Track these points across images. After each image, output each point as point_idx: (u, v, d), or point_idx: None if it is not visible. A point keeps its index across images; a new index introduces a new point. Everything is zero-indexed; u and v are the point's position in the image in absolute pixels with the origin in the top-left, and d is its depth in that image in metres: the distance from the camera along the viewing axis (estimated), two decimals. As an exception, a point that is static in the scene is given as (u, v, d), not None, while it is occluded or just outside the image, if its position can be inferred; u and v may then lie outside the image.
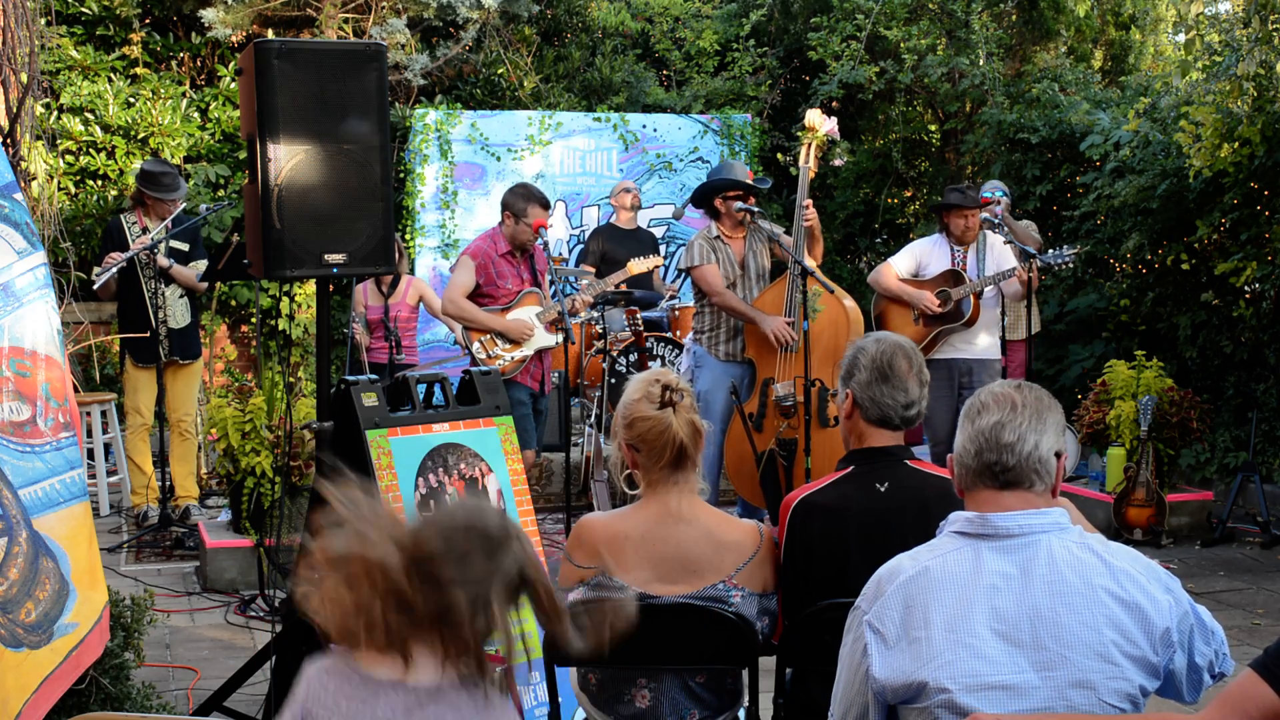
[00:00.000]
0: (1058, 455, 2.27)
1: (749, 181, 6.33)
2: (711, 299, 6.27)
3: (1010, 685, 2.10)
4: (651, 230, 9.38)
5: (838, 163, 6.42)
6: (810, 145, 6.28)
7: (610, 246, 8.62)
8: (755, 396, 6.13)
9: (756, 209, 6.28)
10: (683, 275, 10.31)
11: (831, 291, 5.95)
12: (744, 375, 6.27)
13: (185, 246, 7.10)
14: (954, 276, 6.75)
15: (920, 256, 6.86)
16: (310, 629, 2.08)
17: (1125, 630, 2.14)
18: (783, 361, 6.04)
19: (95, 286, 6.88)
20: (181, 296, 7.13)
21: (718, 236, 6.31)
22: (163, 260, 6.94)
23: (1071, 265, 6.75)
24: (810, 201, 6.18)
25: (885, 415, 3.02)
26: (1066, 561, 2.18)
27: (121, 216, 7.23)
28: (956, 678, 2.10)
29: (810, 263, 6.03)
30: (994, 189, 8.00)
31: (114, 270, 6.79)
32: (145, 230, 6.99)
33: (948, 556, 2.22)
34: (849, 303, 6.10)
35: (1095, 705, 2.10)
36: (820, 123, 6.30)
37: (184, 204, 7.13)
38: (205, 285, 7.32)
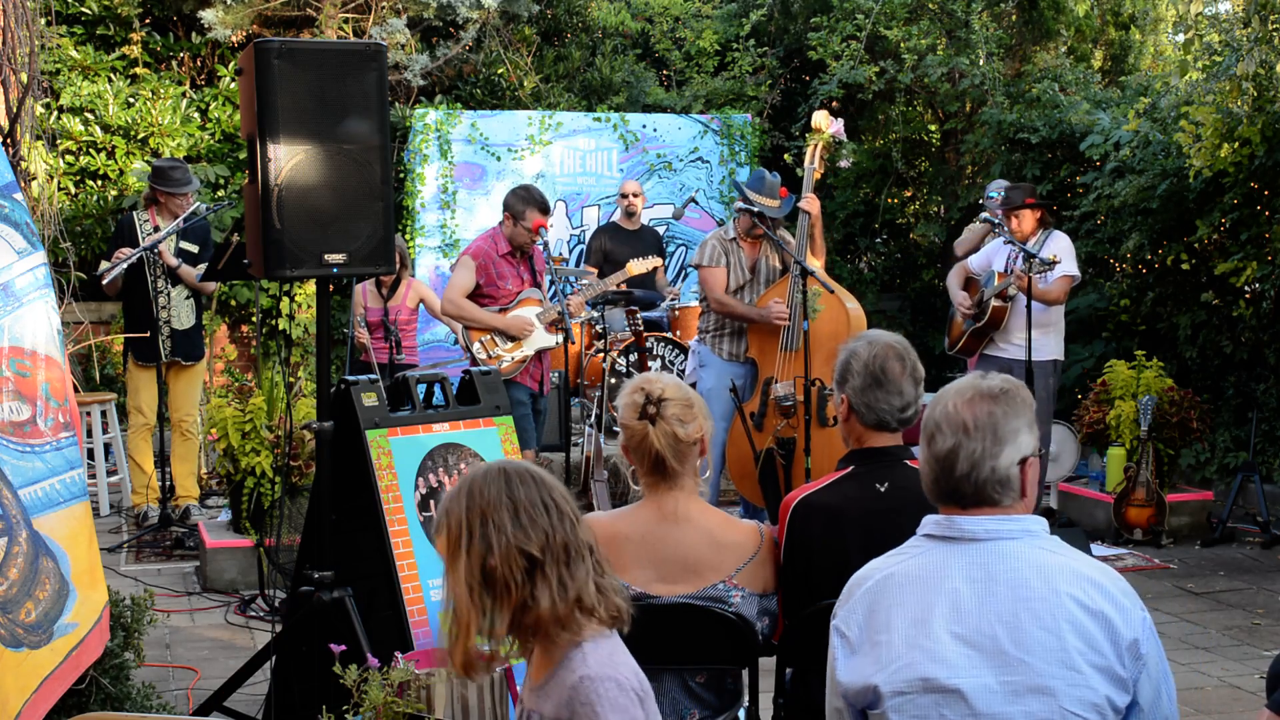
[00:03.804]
0: (1024, 462, 2.16)
1: (773, 202, 6.22)
2: (711, 304, 6.28)
3: (967, 689, 2.06)
4: (654, 228, 9.38)
5: (844, 164, 6.40)
6: (816, 146, 6.28)
7: (613, 246, 8.62)
8: (757, 396, 6.13)
9: (769, 222, 6.19)
10: (684, 275, 10.35)
11: (832, 291, 5.95)
12: (747, 375, 6.27)
13: (195, 249, 7.10)
14: (990, 277, 7.01)
15: (990, 254, 7.12)
16: (310, 629, 2.09)
17: (1090, 638, 2.08)
18: (782, 361, 6.04)
19: (104, 282, 6.86)
20: (188, 298, 7.13)
21: (734, 239, 6.30)
22: (170, 259, 6.94)
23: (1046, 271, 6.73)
24: (813, 196, 6.17)
25: (881, 420, 3.02)
26: (1032, 566, 2.12)
27: (134, 214, 7.23)
28: (911, 680, 2.07)
29: (816, 264, 6.03)
30: (1000, 188, 8.01)
31: (122, 266, 6.78)
32: (157, 229, 6.99)
33: (912, 560, 2.19)
34: (850, 303, 6.10)
35: (1056, 712, 2.05)
36: (827, 124, 6.29)
37: (196, 203, 7.12)
38: (213, 286, 7.29)
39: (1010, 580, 2.11)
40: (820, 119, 6.32)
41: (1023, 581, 2.11)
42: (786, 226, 6.48)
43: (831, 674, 2.20)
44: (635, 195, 8.86)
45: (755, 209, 6.13)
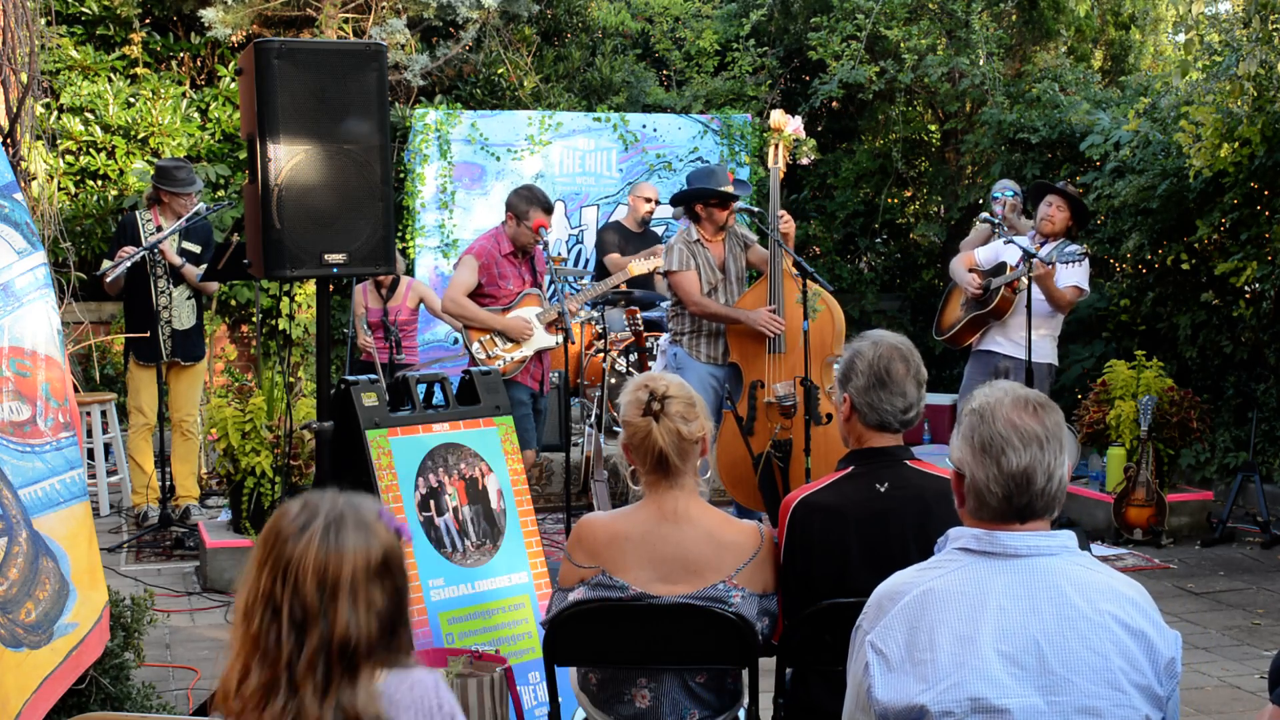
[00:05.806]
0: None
1: (730, 189, 6.26)
2: (689, 308, 6.23)
3: (1015, 709, 2.03)
4: (655, 231, 9.38)
5: (805, 161, 6.47)
6: (778, 146, 6.30)
7: (622, 244, 8.64)
8: (744, 400, 6.10)
9: (756, 209, 6.27)
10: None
11: (832, 292, 5.98)
12: (726, 378, 6.24)
13: (197, 249, 7.10)
14: (999, 268, 6.88)
15: (997, 250, 6.97)
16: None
17: (1132, 658, 2.08)
18: (771, 363, 6.03)
19: (106, 281, 6.86)
20: (189, 297, 7.13)
21: (697, 240, 6.27)
22: (174, 257, 6.94)
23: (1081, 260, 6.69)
24: (788, 216, 6.17)
25: (884, 421, 3.02)
26: (1074, 585, 2.11)
27: (137, 213, 7.23)
28: (961, 700, 2.03)
29: (789, 265, 6.05)
30: (1004, 188, 8.01)
31: (125, 265, 6.78)
32: (160, 228, 6.99)
33: (952, 575, 2.14)
34: (833, 304, 6.13)
35: None
36: (785, 123, 6.32)
37: (200, 203, 7.11)
38: (215, 286, 7.27)
39: (1053, 598, 2.10)
40: (778, 118, 6.33)
41: (1065, 599, 2.09)
42: (757, 230, 6.50)
43: (862, 691, 2.15)
44: (656, 202, 8.90)
45: (757, 209, 6.20)
